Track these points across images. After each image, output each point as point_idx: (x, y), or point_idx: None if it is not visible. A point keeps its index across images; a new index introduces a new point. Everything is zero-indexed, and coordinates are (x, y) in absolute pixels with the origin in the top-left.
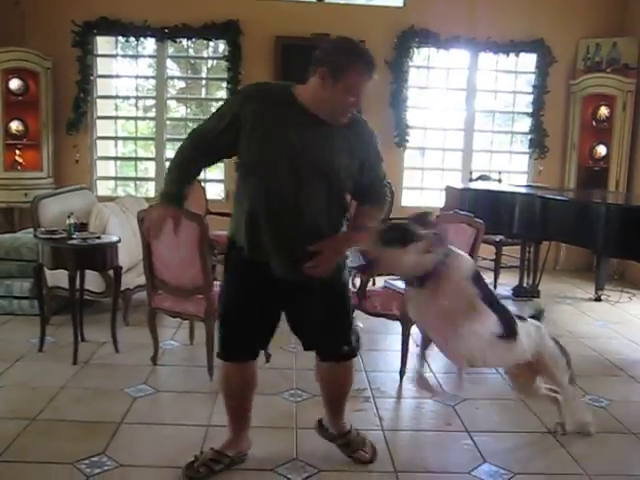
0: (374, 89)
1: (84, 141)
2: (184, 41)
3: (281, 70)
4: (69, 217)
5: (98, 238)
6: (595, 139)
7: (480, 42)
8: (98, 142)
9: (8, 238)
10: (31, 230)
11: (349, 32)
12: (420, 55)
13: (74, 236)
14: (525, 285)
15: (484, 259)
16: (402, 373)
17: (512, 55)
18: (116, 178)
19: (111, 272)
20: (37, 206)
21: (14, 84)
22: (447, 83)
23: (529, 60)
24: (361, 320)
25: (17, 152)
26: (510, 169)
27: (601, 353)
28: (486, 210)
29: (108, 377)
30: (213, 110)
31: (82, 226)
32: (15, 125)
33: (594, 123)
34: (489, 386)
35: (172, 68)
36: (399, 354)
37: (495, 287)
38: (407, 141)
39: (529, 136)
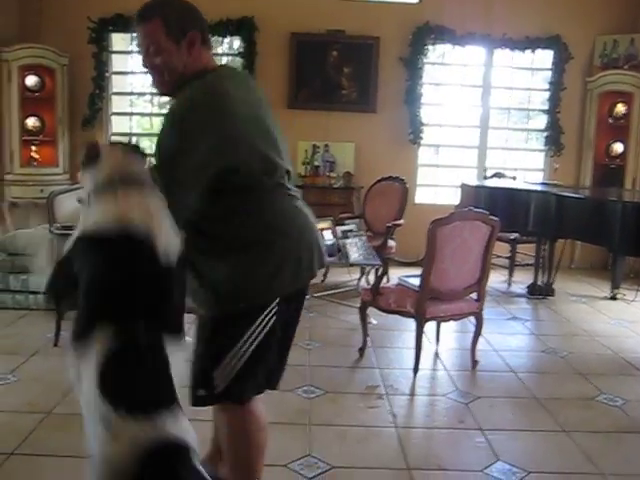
0: (389, 85)
1: (99, 137)
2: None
3: (296, 66)
4: None
5: None
6: (611, 136)
7: (496, 38)
8: (113, 138)
9: (24, 234)
10: (47, 226)
11: (364, 28)
12: (435, 52)
13: None
14: (540, 283)
15: (499, 257)
16: (416, 370)
17: (528, 52)
18: None
19: None
20: (53, 202)
21: (30, 80)
22: (462, 80)
23: (545, 57)
24: (375, 317)
25: (33, 148)
26: (525, 166)
27: (616, 352)
28: (501, 208)
29: None
30: None
31: None
32: (31, 121)
33: (610, 120)
34: (503, 384)
35: None
36: (413, 351)
37: (509, 285)
38: (421, 138)
39: (545, 133)
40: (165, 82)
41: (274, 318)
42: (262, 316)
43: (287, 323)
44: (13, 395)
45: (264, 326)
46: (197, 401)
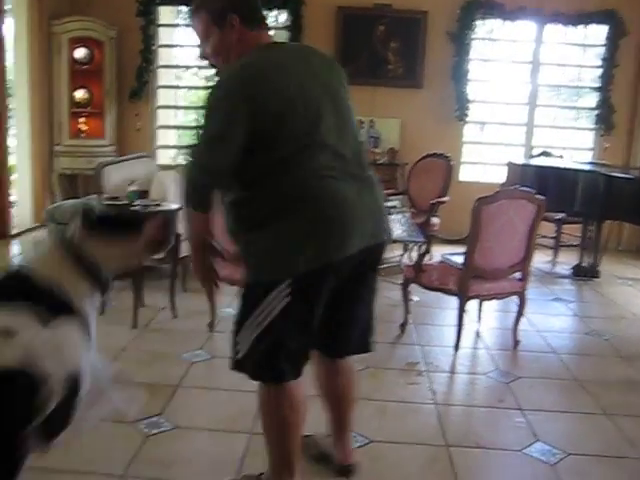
0: (435, 61)
1: (145, 110)
2: None
3: (342, 41)
4: (131, 184)
5: (158, 205)
6: None
7: (547, 13)
8: (159, 111)
9: (72, 204)
10: (94, 197)
11: (411, 2)
12: (484, 27)
13: (135, 203)
14: (585, 264)
15: (544, 237)
16: (456, 348)
17: (580, 27)
18: (177, 147)
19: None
20: (101, 173)
21: (79, 53)
22: (511, 56)
23: (599, 32)
24: (417, 294)
25: (81, 120)
26: (574, 145)
27: None
28: (548, 187)
29: (166, 341)
30: None
31: (143, 193)
32: (80, 94)
33: None
34: (544, 365)
35: None
36: (454, 329)
37: (554, 265)
38: (467, 115)
39: (595, 112)
40: (220, 67)
41: (287, 299)
42: (272, 293)
43: (322, 304)
44: None
45: (274, 305)
46: (230, 364)
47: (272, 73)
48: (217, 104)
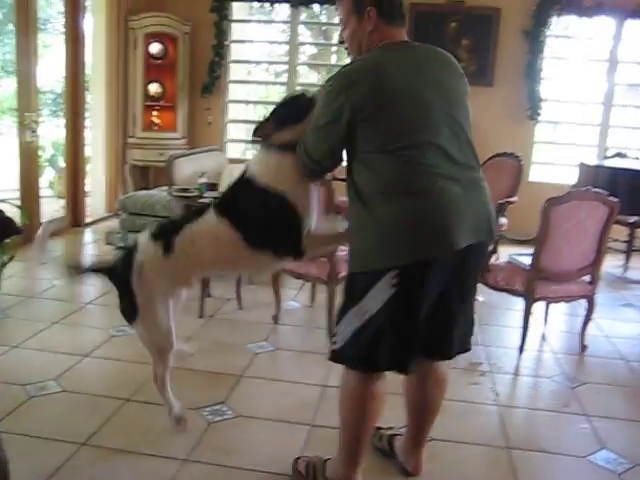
0: (508, 58)
1: (217, 104)
2: (316, 7)
3: (414, 37)
4: (201, 177)
5: None
6: None
7: (628, 9)
8: (230, 105)
9: (143, 195)
10: (165, 188)
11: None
12: (559, 24)
13: (205, 195)
14: None
15: (616, 240)
16: (521, 350)
17: None
18: (246, 141)
19: None
20: (172, 165)
21: (154, 48)
22: (587, 54)
23: None
24: (482, 294)
25: (154, 113)
26: None
27: None
28: (621, 189)
29: (231, 332)
30: None
31: (213, 186)
32: (154, 87)
33: None
34: (612, 371)
35: (304, 34)
36: (519, 331)
37: (626, 270)
38: (539, 114)
39: None
40: (352, 54)
41: (392, 291)
42: (378, 284)
43: (427, 301)
44: (130, 346)
45: (378, 297)
46: (328, 355)
47: (386, 71)
48: (327, 95)
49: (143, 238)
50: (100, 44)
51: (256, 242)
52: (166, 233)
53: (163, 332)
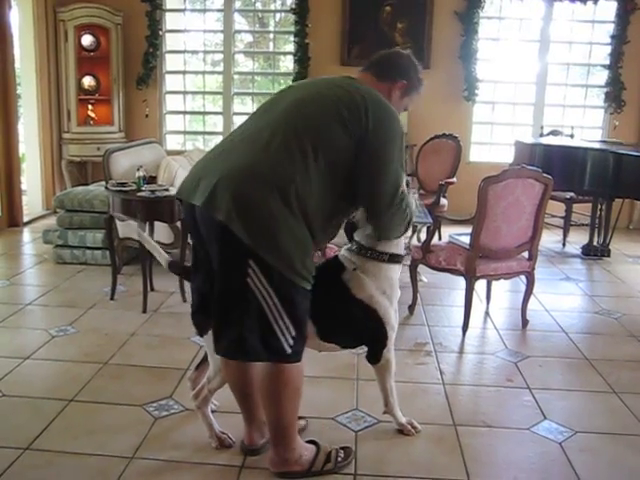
0: (443, 41)
1: (153, 96)
2: None
3: (348, 22)
4: (139, 170)
5: (166, 190)
6: None
7: None
8: (167, 97)
9: (81, 190)
10: (103, 183)
11: None
12: (492, 5)
13: (143, 188)
14: (595, 244)
15: (553, 216)
16: (465, 328)
17: (590, 3)
18: (185, 132)
19: (179, 224)
20: (108, 159)
21: (86, 40)
22: (519, 35)
23: (608, 8)
24: (425, 274)
25: (89, 107)
26: (584, 124)
27: None
28: (557, 166)
29: (175, 326)
30: (281, 64)
31: (151, 179)
32: (87, 81)
33: None
34: (553, 344)
35: (240, 22)
36: (462, 309)
37: (564, 245)
38: (476, 95)
39: (605, 89)
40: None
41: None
42: None
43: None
44: (72, 346)
45: None
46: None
47: None
48: (399, 132)
49: None
50: (28, 37)
51: None
52: None
53: None
